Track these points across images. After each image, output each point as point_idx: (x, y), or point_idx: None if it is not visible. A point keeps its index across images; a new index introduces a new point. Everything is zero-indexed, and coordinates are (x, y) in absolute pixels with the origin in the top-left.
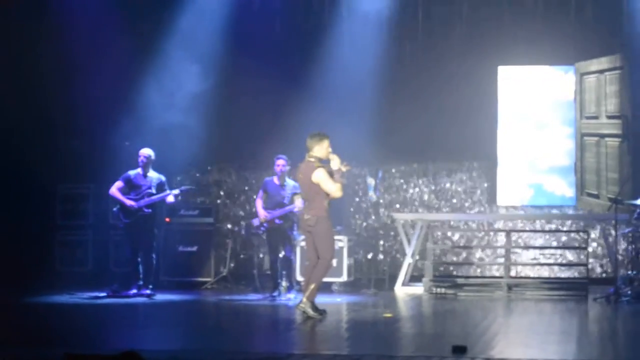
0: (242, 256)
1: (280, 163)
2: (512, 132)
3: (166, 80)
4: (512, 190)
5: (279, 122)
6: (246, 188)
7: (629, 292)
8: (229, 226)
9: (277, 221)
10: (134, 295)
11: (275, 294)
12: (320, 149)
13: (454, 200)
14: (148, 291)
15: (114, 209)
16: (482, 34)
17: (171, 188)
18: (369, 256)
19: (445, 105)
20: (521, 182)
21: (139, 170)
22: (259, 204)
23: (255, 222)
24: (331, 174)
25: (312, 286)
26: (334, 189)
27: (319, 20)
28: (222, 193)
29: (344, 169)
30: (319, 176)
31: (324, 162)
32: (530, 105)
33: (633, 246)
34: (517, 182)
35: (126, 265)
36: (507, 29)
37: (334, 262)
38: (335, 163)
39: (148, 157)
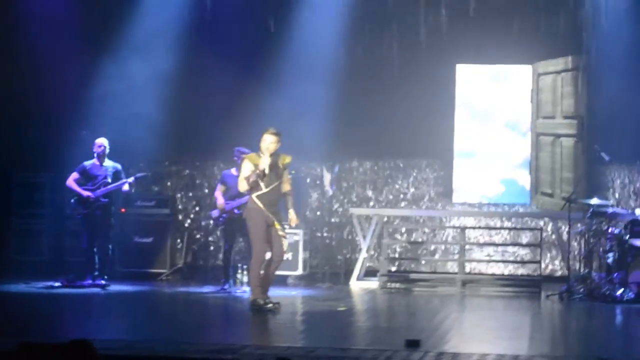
0: (197, 248)
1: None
2: (468, 130)
3: (125, 70)
4: (467, 187)
5: (237, 114)
6: (203, 179)
7: (581, 289)
8: (186, 217)
9: (235, 211)
10: (89, 286)
11: (227, 286)
12: (261, 142)
13: (410, 197)
14: (103, 282)
15: (72, 200)
16: (441, 32)
17: (127, 177)
18: (324, 250)
19: (403, 102)
20: (477, 179)
21: (95, 160)
22: (219, 195)
23: (214, 213)
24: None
25: (248, 279)
26: (239, 182)
27: (278, 12)
28: (178, 184)
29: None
30: (242, 167)
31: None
32: (487, 103)
33: (586, 245)
34: (473, 180)
35: (82, 255)
36: (466, 27)
37: (289, 255)
38: (262, 162)
39: (103, 147)
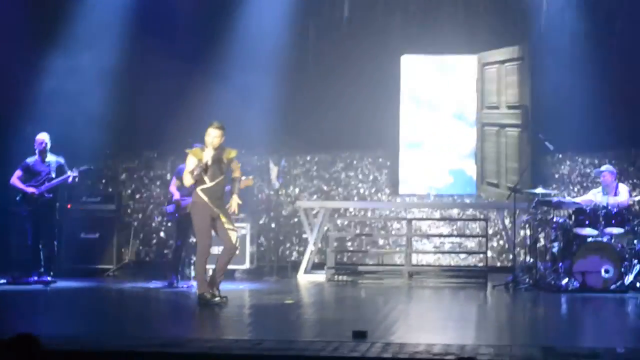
0: (143, 244)
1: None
2: (414, 121)
3: (72, 65)
4: (415, 178)
5: (185, 108)
6: (150, 175)
7: (527, 279)
8: (133, 213)
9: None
10: (35, 282)
11: (174, 281)
12: (205, 136)
13: (356, 189)
14: (49, 278)
15: (17, 198)
16: (386, 22)
17: (70, 170)
18: (272, 244)
19: (348, 94)
20: (425, 170)
21: (37, 156)
22: (174, 189)
23: (170, 208)
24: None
25: (194, 274)
26: (183, 176)
27: (224, 3)
28: (124, 178)
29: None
30: (186, 161)
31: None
32: (432, 94)
33: (531, 235)
34: (421, 171)
35: (27, 253)
36: (411, 17)
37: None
38: (205, 154)
39: (44, 142)
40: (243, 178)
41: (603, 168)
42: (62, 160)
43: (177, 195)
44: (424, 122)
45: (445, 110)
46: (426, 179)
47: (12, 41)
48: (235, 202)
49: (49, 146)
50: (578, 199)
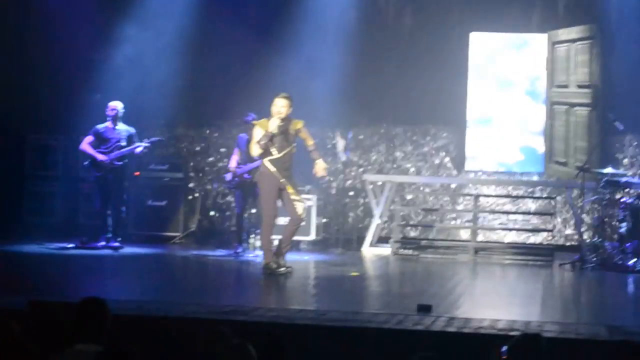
0: (210, 212)
1: (249, 119)
2: (482, 98)
3: (139, 34)
4: (482, 155)
5: (251, 78)
6: (217, 143)
7: (594, 259)
8: (200, 181)
9: (246, 176)
10: (102, 248)
11: (240, 249)
12: (272, 106)
13: (423, 164)
14: (116, 244)
15: (85, 162)
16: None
17: (141, 140)
18: (337, 216)
19: (417, 70)
20: (491, 148)
21: (108, 123)
22: (233, 158)
23: (227, 176)
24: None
25: (260, 244)
26: (250, 148)
27: None
28: (192, 147)
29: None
30: (253, 133)
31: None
32: (501, 72)
33: (599, 214)
34: (487, 148)
35: (95, 218)
36: None
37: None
38: (271, 124)
39: (117, 110)
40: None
41: None
42: (133, 130)
43: (233, 164)
44: (494, 99)
45: (517, 87)
46: (496, 155)
47: (81, 8)
48: (320, 166)
49: (120, 114)
50: None
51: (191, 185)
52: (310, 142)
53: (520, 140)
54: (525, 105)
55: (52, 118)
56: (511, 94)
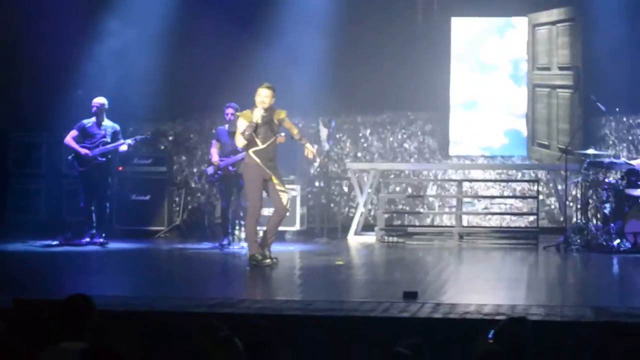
0: (194, 205)
1: (229, 112)
2: (465, 83)
3: (119, 29)
4: (467, 139)
5: (231, 69)
6: (199, 137)
7: (578, 240)
8: (183, 175)
9: (230, 168)
10: (87, 244)
11: (225, 242)
12: (256, 96)
13: (407, 150)
14: (101, 239)
15: (69, 157)
16: None
17: (125, 137)
18: (322, 205)
19: (398, 56)
20: (476, 132)
21: (93, 119)
22: (214, 152)
23: (209, 170)
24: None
25: (245, 235)
26: (236, 139)
27: None
28: (175, 141)
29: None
30: (237, 124)
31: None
32: (484, 56)
33: (582, 196)
34: (471, 132)
35: (79, 214)
36: None
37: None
38: (255, 114)
39: (101, 106)
40: (278, 135)
41: None
42: (117, 127)
43: (215, 157)
44: (478, 83)
45: (501, 70)
46: (481, 139)
47: (62, 4)
48: (310, 149)
49: (105, 110)
50: (635, 162)
51: (175, 179)
52: (295, 131)
53: (505, 123)
54: (509, 88)
55: (35, 115)
56: (495, 77)
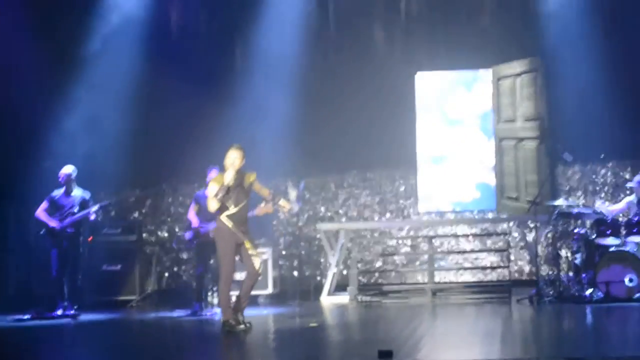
0: (166, 273)
1: (211, 175)
2: (434, 137)
3: (86, 96)
4: (431, 196)
5: (201, 132)
6: (169, 203)
7: (551, 292)
8: (153, 242)
9: (210, 235)
10: (59, 317)
11: (198, 308)
12: (225, 159)
13: (376, 208)
14: (73, 311)
15: (40, 231)
16: (400, 41)
17: (96, 204)
18: (293, 267)
19: (364, 113)
20: (446, 187)
21: (62, 189)
22: (192, 216)
23: (188, 235)
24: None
25: (218, 301)
26: (209, 203)
27: (237, 29)
28: (144, 208)
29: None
30: (208, 189)
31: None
32: (452, 110)
33: (553, 247)
34: (442, 187)
35: (49, 287)
36: (424, 34)
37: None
38: (226, 176)
39: (68, 176)
40: (262, 205)
41: (637, 179)
42: (87, 195)
43: (195, 222)
44: (447, 137)
45: (469, 124)
46: (452, 194)
47: (27, 78)
48: (285, 203)
49: (73, 178)
50: (612, 208)
51: (146, 247)
52: (266, 192)
53: (475, 177)
54: (479, 141)
55: (2, 187)
56: (463, 131)
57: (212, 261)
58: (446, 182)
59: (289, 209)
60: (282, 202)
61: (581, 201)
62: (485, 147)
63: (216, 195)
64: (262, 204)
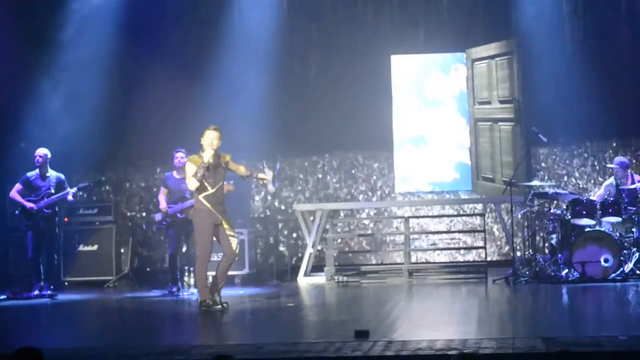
0: (142, 253)
1: (179, 156)
2: (408, 120)
3: (62, 79)
4: (410, 177)
5: (174, 114)
6: (144, 184)
7: (527, 272)
8: (129, 223)
9: (178, 215)
10: (36, 297)
11: (174, 289)
12: (203, 139)
13: (353, 189)
14: (49, 292)
15: (16, 212)
16: (374, 24)
17: (70, 186)
18: (270, 248)
19: (341, 96)
20: (418, 169)
21: (37, 171)
22: (162, 198)
23: (157, 216)
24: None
25: (195, 281)
26: (187, 182)
27: (212, 6)
28: (120, 189)
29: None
30: (185, 169)
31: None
32: (425, 93)
33: (528, 227)
34: (415, 169)
35: (26, 267)
36: (398, 18)
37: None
38: (205, 155)
39: (44, 157)
40: (225, 183)
41: (617, 160)
42: (62, 176)
43: (163, 204)
44: (417, 121)
45: (447, 105)
46: (431, 174)
47: (1, 58)
48: (262, 175)
49: (48, 160)
50: (596, 196)
51: (121, 227)
52: (242, 169)
53: (454, 157)
54: (457, 123)
55: None
56: (441, 112)
57: (185, 243)
58: (425, 162)
59: (269, 180)
60: (261, 175)
61: (557, 182)
62: (463, 128)
63: (195, 174)
64: (226, 183)
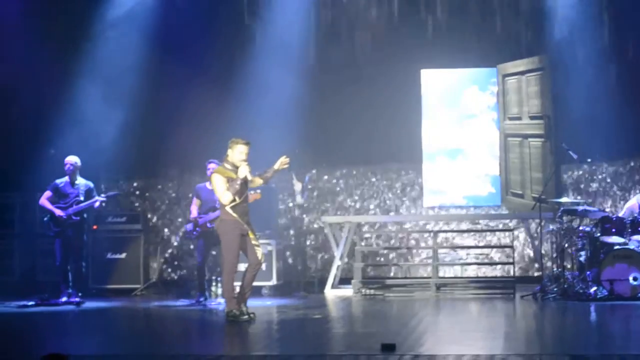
0: (171, 262)
1: (211, 167)
2: (437, 134)
3: (93, 88)
4: (443, 190)
5: (205, 125)
6: (175, 194)
7: (555, 289)
8: (158, 232)
9: (208, 225)
10: (63, 303)
11: (202, 299)
12: (232, 153)
13: (382, 203)
14: (77, 299)
15: (45, 218)
16: (405, 38)
17: (99, 194)
18: (298, 259)
19: (370, 109)
20: (448, 183)
21: (66, 178)
22: (194, 209)
23: (189, 227)
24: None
25: (222, 291)
26: (221, 195)
27: (244, 23)
28: (150, 198)
29: (249, 177)
30: (213, 181)
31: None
32: (454, 107)
33: (557, 244)
34: (444, 184)
35: (54, 274)
36: (429, 32)
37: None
38: (242, 171)
39: (74, 165)
40: (252, 193)
41: None
42: (91, 184)
43: (194, 214)
44: (446, 135)
45: (468, 122)
46: (466, 188)
47: (33, 67)
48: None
49: (77, 168)
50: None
51: (150, 236)
52: (258, 180)
53: (490, 170)
54: (493, 135)
55: (6, 176)
56: (477, 124)
57: (214, 252)
58: (460, 176)
59: (286, 163)
60: (275, 166)
61: (587, 199)
62: (487, 145)
63: (232, 187)
64: (252, 192)
